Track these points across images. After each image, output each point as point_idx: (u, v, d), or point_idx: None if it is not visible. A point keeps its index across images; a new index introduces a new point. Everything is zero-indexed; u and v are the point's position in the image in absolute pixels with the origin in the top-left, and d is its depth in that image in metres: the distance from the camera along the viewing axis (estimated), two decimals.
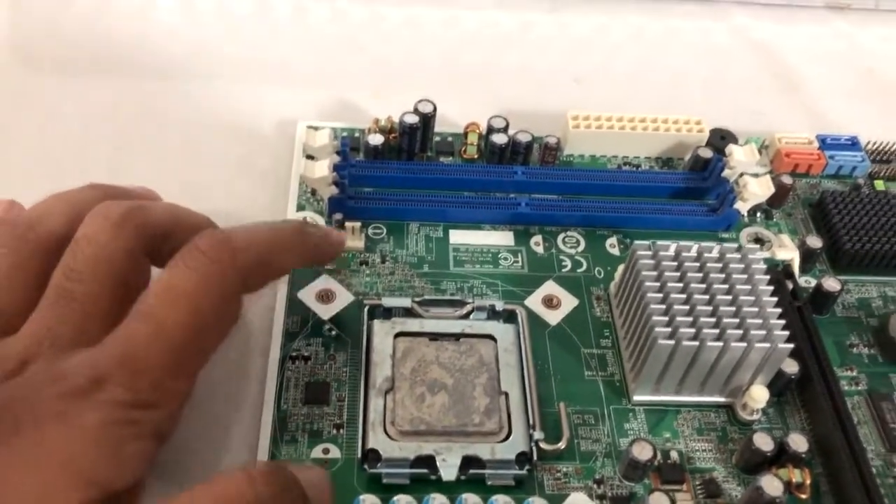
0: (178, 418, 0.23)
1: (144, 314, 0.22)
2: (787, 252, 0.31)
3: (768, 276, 0.27)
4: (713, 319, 0.26)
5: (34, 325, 0.22)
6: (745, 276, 0.27)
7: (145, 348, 0.22)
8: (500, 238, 0.32)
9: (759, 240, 0.33)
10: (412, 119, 0.33)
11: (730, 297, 0.27)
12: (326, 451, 0.26)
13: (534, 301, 0.30)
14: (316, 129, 0.32)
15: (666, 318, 0.26)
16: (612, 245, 0.32)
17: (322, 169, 0.31)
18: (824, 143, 0.36)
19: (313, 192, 0.33)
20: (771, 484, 0.24)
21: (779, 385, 0.28)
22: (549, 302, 0.30)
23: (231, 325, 0.25)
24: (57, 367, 0.22)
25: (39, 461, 0.20)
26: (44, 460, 0.20)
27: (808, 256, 0.32)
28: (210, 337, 0.24)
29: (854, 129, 0.37)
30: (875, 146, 0.37)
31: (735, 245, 0.28)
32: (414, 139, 0.34)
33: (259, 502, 0.20)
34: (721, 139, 0.35)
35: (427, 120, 0.34)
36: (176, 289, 0.23)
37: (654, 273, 0.27)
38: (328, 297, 0.30)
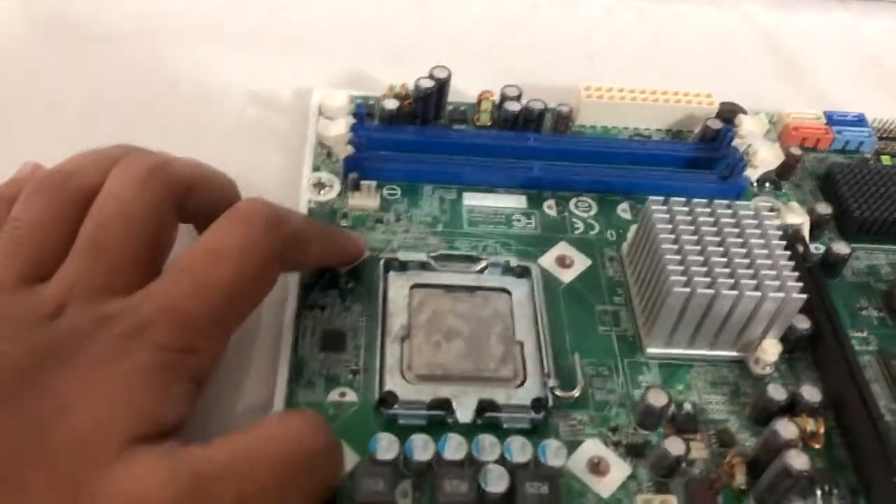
0: (213, 371, 0.24)
1: (188, 268, 0.23)
2: (798, 217, 0.32)
3: (780, 232, 0.28)
4: (728, 270, 0.26)
5: (66, 272, 0.23)
6: (758, 231, 0.28)
7: (186, 301, 0.22)
8: (514, 201, 0.32)
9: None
10: (427, 84, 0.33)
11: (744, 251, 0.27)
12: (343, 394, 0.26)
13: (547, 260, 0.31)
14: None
15: (681, 268, 0.27)
16: (623, 210, 0.33)
17: (339, 127, 0.31)
18: (831, 119, 0.37)
19: (329, 155, 0.33)
20: (787, 428, 0.24)
21: (791, 341, 0.28)
22: (562, 261, 0.31)
23: (266, 292, 0.25)
24: (98, 310, 0.22)
25: (92, 395, 0.20)
26: (96, 394, 0.20)
27: (817, 224, 0.32)
28: (248, 298, 0.24)
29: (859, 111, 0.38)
30: (881, 124, 0.37)
31: (747, 203, 0.28)
32: (429, 105, 0.34)
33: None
34: (730, 111, 0.36)
35: (442, 86, 0.34)
36: (221, 247, 0.23)
37: (669, 226, 0.28)
38: None
